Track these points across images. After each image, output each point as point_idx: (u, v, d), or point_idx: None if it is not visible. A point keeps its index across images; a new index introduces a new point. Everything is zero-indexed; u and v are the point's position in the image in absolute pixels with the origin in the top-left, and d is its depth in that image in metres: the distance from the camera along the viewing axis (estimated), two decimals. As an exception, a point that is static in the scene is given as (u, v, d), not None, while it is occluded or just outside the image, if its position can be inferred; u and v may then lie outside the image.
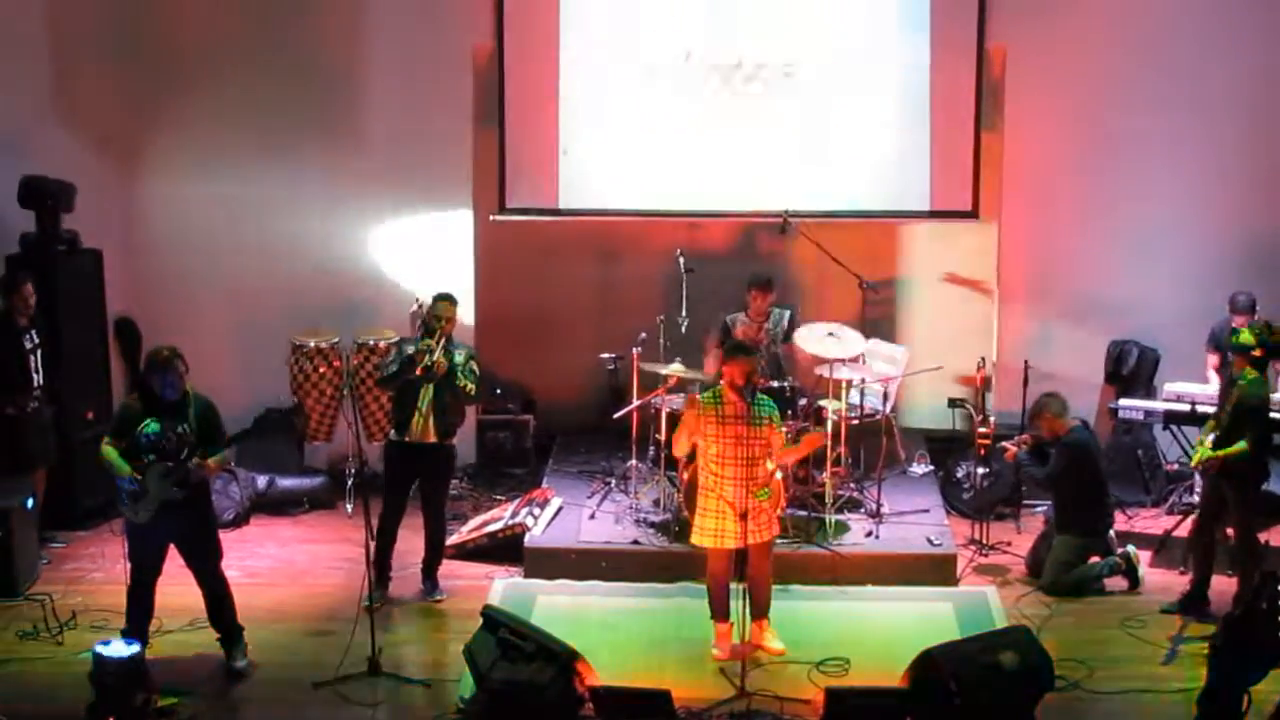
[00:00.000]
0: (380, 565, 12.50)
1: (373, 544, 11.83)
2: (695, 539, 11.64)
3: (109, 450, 11.09)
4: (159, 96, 15.33)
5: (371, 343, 14.78)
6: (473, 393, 12.65)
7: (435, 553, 12.89)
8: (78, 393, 14.06)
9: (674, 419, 13.50)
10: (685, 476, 12.87)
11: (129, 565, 11.28)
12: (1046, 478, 13.11)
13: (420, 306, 14.38)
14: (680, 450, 11.68)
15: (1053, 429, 13.02)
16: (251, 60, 15.29)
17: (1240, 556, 12.29)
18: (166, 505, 11.01)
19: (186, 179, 15.42)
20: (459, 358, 12.49)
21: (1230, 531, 12.51)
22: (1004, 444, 13.41)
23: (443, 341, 12.41)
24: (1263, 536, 12.78)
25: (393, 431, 12.64)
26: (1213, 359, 14.18)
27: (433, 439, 12.52)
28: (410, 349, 12.47)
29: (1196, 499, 13.83)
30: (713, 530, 11.40)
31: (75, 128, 14.93)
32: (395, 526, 12.69)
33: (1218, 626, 4.12)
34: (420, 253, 15.46)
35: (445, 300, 12.62)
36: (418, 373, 12.31)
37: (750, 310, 14.25)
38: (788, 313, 14.40)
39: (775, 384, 13.18)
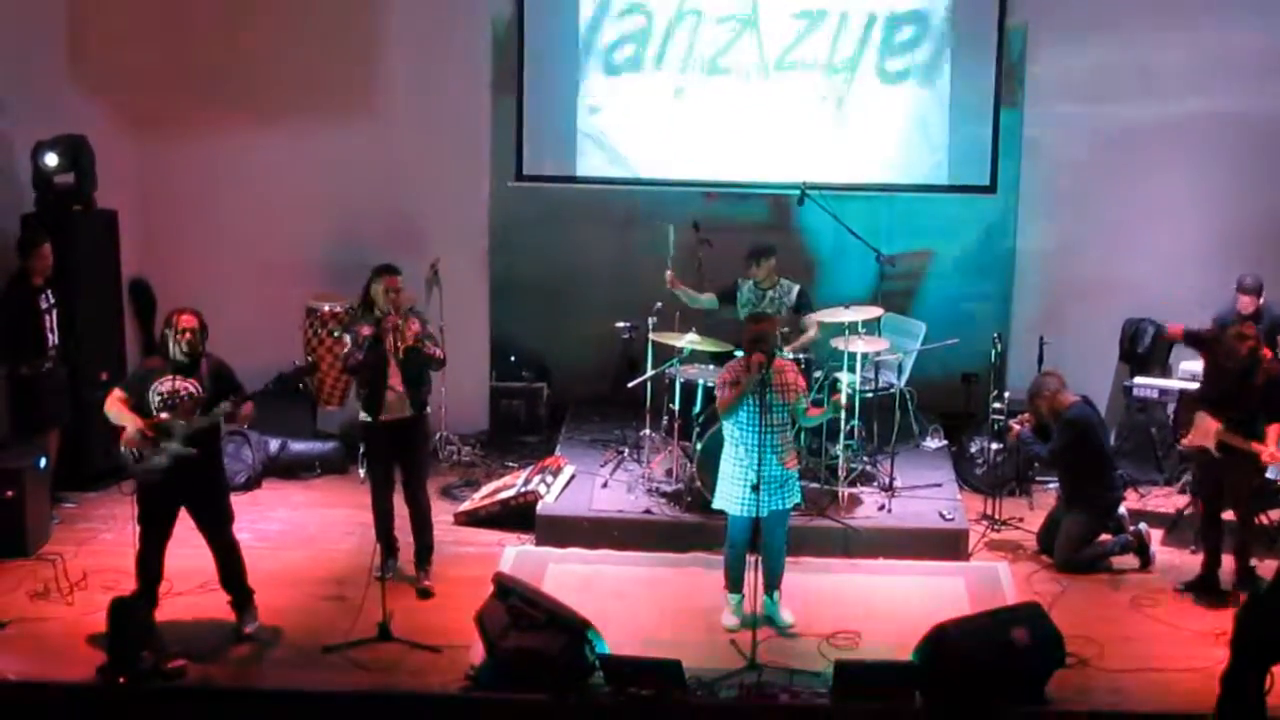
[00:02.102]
0: (385, 539, 12.32)
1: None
2: (717, 503, 11.71)
3: (117, 403, 11.14)
4: (175, 57, 15.27)
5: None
6: (441, 358, 12.35)
7: (424, 540, 12.49)
8: (92, 353, 14.05)
9: (688, 389, 13.53)
10: (699, 447, 12.88)
11: (139, 527, 11.30)
12: (1050, 455, 13.11)
13: (437, 273, 14.38)
14: (732, 410, 11.43)
15: (1053, 406, 12.99)
16: (270, 21, 15.25)
17: (1243, 536, 12.33)
18: (179, 467, 11.02)
19: (202, 140, 15.37)
20: (415, 326, 12.14)
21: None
22: (1008, 423, 13.41)
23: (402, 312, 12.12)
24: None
25: (364, 414, 12.31)
26: None
27: (408, 413, 12.19)
28: (366, 329, 12.10)
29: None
30: (736, 497, 11.44)
31: (90, 88, 14.89)
32: (389, 502, 12.39)
33: (1240, 606, 4.12)
34: (436, 218, 15.42)
35: (391, 273, 12.26)
36: (401, 353, 11.99)
37: (754, 279, 14.15)
38: (795, 287, 14.28)
39: (790, 357, 13.13)
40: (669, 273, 14.14)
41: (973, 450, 14.60)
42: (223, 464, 11.78)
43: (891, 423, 14.24)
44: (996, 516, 13.68)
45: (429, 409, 12.52)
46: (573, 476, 14.03)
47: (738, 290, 14.18)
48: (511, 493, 13.64)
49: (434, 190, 15.44)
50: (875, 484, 13.94)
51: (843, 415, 13.50)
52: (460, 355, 14.81)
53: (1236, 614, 4.13)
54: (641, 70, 15.66)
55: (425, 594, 12.25)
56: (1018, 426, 13.21)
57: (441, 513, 13.56)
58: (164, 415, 11.01)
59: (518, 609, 10.76)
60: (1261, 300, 13.83)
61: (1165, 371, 14.77)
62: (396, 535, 12.55)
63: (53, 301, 13.35)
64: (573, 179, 15.90)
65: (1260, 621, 4.20)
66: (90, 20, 14.90)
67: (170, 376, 11.10)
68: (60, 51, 14.70)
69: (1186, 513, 13.61)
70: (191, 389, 11.08)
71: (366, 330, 12.09)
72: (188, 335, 11.10)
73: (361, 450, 14.39)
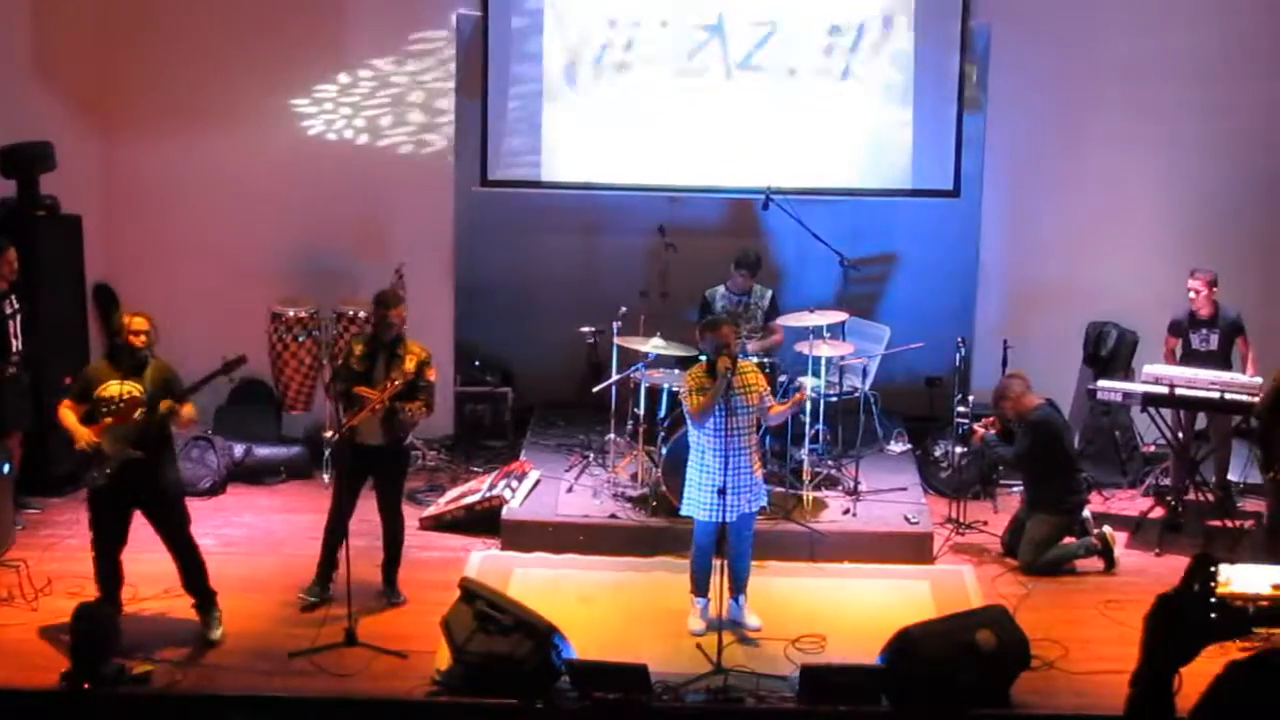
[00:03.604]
0: (325, 563, 12.06)
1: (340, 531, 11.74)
2: (685, 510, 11.70)
3: (67, 414, 11.19)
4: (140, 61, 15.25)
5: (351, 313, 14.74)
6: (422, 412, 12.00)
7: (394, 556, 12.30)
8: (56, 358, 13.95)
9: (653, 393, 13.55)
10: (664, 451, 12.88)
11: (91, 534, 11.36)
12: (1015, 458, 13.15)
13: (401, 277, 14.36)
14: (705, 415, 11.37)
15: (1018, 408, 13.02)
16: (233, 25, 15.21)
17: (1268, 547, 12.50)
18: (127, 470, 11.07)
19: (166, 144, 15.32)
20: (409, 363, 11.81)
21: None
22: (972, 426, 13.44)
23: (397, 382, 11.64)
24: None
25: (343, 416, 11.96)
26: (1171, 342, 14.22)
27: (380, 442, 11.90)
28: (359, 348, 11.90)
29: (1171, 481, 13.99)
30: (704, 503, 11.44)
31: (55, 91, 14.86)
32: (345, 524, 11.83)
33: (1152, 607, 4.24)
34: (401, 222, 15.40)
35: (389, 306, 11.94)
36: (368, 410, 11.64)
37: (731, 285, 14.24)
38: (769, 292, 14.41)
39: (755, 360, 13.15)
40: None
41: (937, 454, 14.64)
42: (175, 465, 11.69)
43: (856, 427, 14.27)
44: (961, 520, 13.70)
45: (408, 439, 12.42)
46: (538, 481, 14.02)
47: (711, 301, 14.22)
48: (477, 497, 13.62)
49: (399, 195, 15.42)
50: (840, 488, 13.96)
51: (807, 420, 13.55)
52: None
53: (1145, 616, 4.24)
54: (607, 75, 15.64)
55: (396, 602, 12.21)
56: (981, 429, 13.24)
57: (407, 518, 13.54)
58: (107, 420, 11.08)
59: (484, 614, 10.75)
60: (1215, 290, 13.93)
61: (1129, 375, 14.81)
62: (336, 561, 12.00)
63: (17, 307, 13.28)
64: (537, 184, 15.89)
65: (1168, 622, 4.29)
66: (55, 25, 14.84)
67: (116, 380, 11.16)
68: (25, 56, 14.65)
69: (1149, 515, 13.68)
70: (134, 392, 11.11)
71: (359, 350, 11.95)
72: (140, 338, 11.15)
73: (327, 455, 14.38)
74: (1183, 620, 4.46)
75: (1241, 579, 4.03)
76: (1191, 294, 13.93)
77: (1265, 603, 4.23)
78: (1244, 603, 4.25)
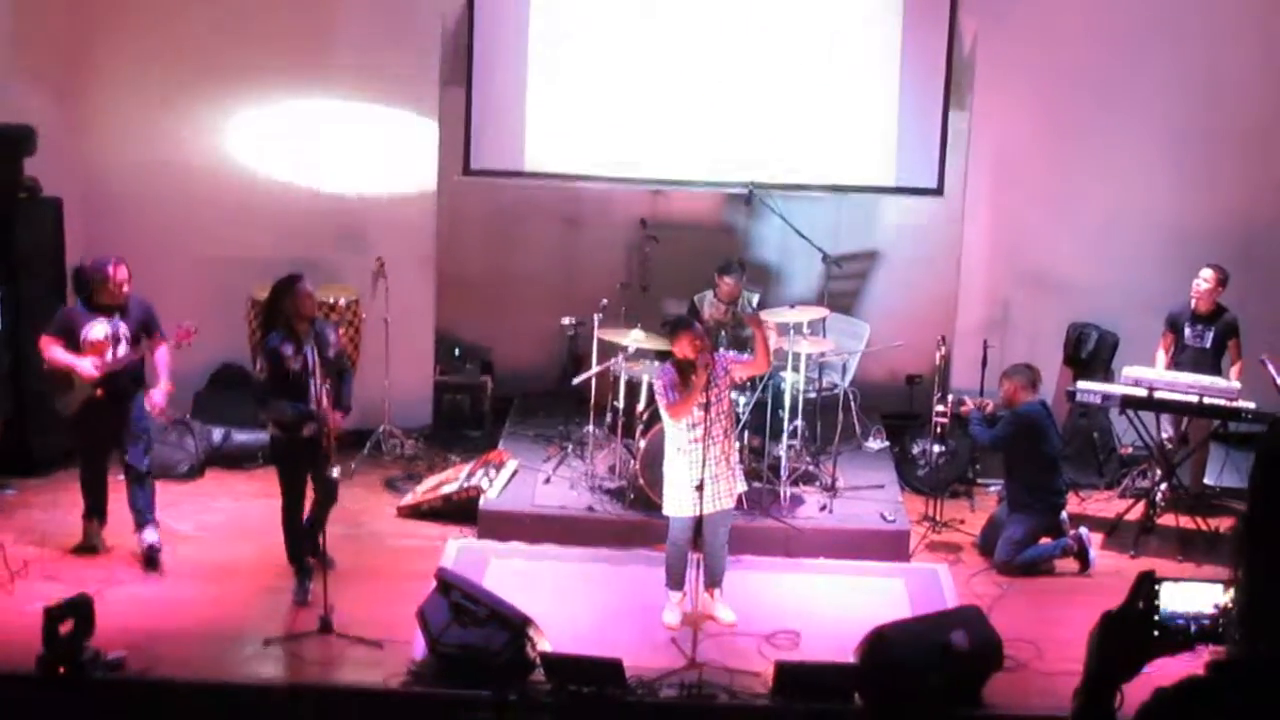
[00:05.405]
0: (298, 559, 12.04)
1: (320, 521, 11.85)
2: (668, 510, 11.67)
3: (58, 350, 11.93)
4: (122, 46, 15.20)
5: (332, 300, 14.68)
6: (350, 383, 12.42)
7: (322, 523, 11.92)
8: (35, 342, 13.93)
9: (633, 386, 13.56)
10: (642, 445, 12.89)
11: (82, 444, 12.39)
12: (991, 441, 13.16)
13: (382, 266, 14.36)
14: (681, 415, 11.42)
15: (1011, 397, 13.03)
16: (217, 14, 15.17)
17: None
18: (109, 402, 11.94)
19: (148, 129, 15.29)
20: (331, 336, 11.96)
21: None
22: (964, 397, 13.42)
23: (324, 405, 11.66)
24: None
25: (277, 430, 12.06)
26: (1165, 340, 14.22)
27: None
28: (289, 349, 11.69)
29: (1148, 484, 14.01)
30: (680, 498, 11.45)
31: (36, 74, 14.81)
32: (300, 519, 12.05)
33: (1096, 624, 4.30)
34: (383, 211, 15.38)
35: (298, 294, 11.80)
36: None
37: (719, 293, 14.25)
38: (756, 296, 14.41)
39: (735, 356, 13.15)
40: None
41: (915, 452, 14.64)
42: (144, 394, 12.32)
43: (834, 423, 14.28)
44: (938, 518, 13.72)
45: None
46: (516, 471, 14.02)
47: (699, 306, 14.23)
48: (454, 487, 13.63)
49: (381, 183, 15.39)
50: (817, 484, 13.97)
51: (785, 415, 13.55)
52: (405, 349, 14.85)
53: (1089, 633, 4.29)
54: (591, 67, 15.64)
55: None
56: (972, 403, 13.22)
57: (384, 505, 13.63)
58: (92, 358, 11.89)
59: (460, 605, 10.77)
60: (1223, 289, 13.93)
61: (1108, 376, 14.84)
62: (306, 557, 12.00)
63: (-3, 290, 13.33)
64: (520, 174, 15.88)
65: (1112, 639, 4.33)
66: (35, 9, 14.80)
67: (101, 319, 11.95)
68: (6, 40, 14.60)
69: (1126, 517, 13.72)
70: (120, 330, 11.99)
71: (286, 354, 11.76)
72: (124, 288, 11.99)
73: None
74: (1126, 637, 4.50)
75: (1184, 597, 4.11)
76: (1200, 283, 13.85)
77: (1207, 621, 4.31)
78: (1186, 620, 4.32)
